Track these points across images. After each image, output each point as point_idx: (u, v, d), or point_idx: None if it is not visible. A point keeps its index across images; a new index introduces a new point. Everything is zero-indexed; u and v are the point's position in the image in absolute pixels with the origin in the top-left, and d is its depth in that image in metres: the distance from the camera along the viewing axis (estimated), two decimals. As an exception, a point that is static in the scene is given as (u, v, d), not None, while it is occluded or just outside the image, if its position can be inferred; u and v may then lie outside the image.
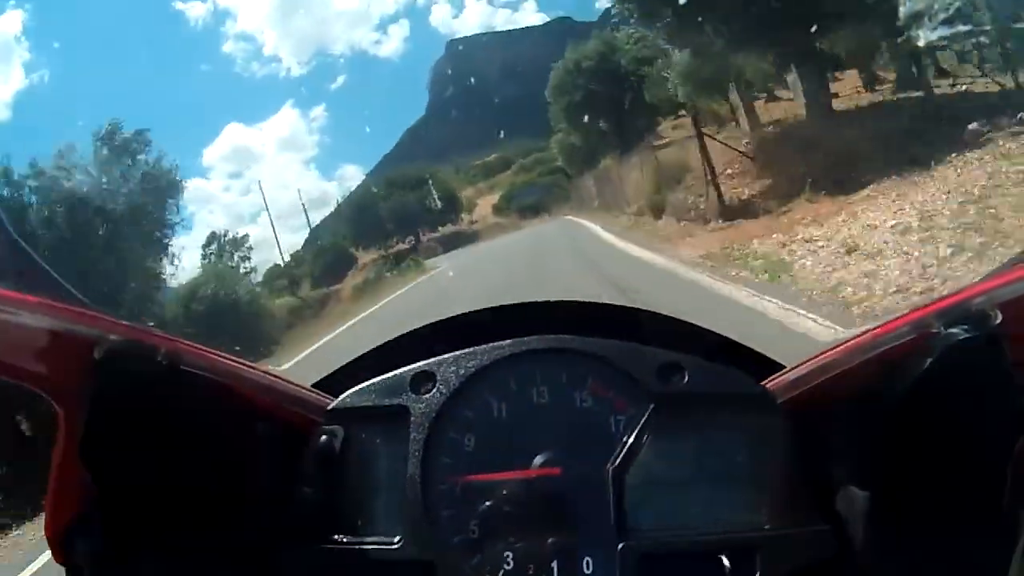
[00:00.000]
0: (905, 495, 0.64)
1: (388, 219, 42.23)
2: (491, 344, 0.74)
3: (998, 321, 0.57)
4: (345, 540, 0.68)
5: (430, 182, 44.41)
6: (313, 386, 0.77)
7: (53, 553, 0.63)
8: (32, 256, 0.58)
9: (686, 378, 0.71)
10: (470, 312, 0.86)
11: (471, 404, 0.71)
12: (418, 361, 0.74)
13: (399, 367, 0.74)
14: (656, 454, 0.69)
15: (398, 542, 0.66)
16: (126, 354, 0.58)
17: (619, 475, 0.67)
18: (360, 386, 0.74)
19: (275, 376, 0.71)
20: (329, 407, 0.73)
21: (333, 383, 0.77)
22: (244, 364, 0.68)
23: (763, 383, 0.72)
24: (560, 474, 0.67)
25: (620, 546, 0.65)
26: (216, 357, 0.66)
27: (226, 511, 0.67)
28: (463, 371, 0.72)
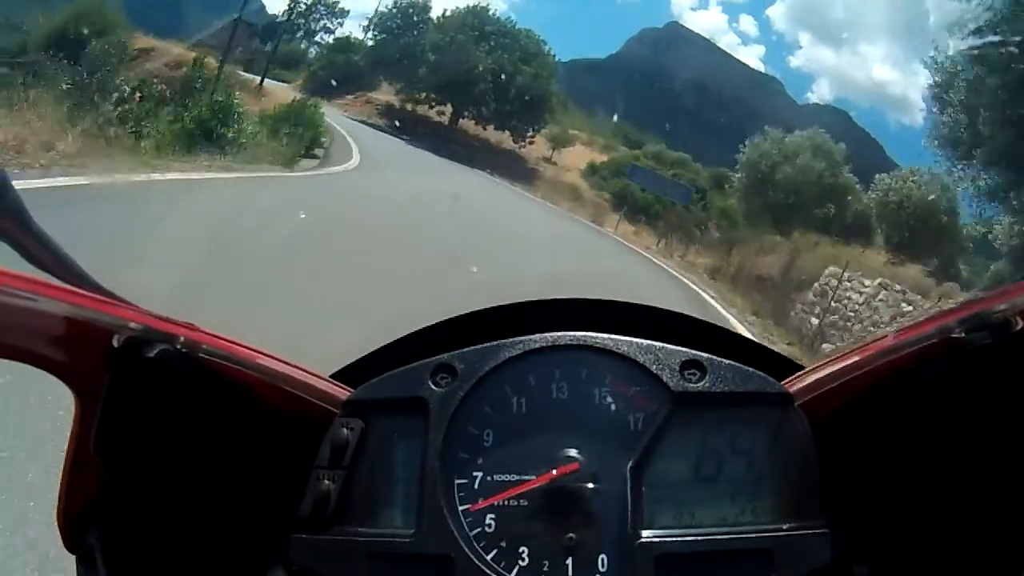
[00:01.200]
0: (922, 499, 0.65)
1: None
2: (511, 339, 0.74)
3: (1019, 328, 0.58)
4: (360, 531, 0.68)
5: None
6: (331, 376, 0.77)
7: (64, 540, 0.63)
8: (51, 242, 0.55)
9: (707, 377, 0.71)
10: (490, 307, 0.86)
11: (490, 398, 0.71)
12: (437, 354, 0.74)
13: (417, 359, 0.74)
14: (675, 453, 0.69)
15: (413, 534, 0.66)
16: (144, 342, 0.58)
17: (638, 473, 0.67)
18: (379, 378, 0.74)
19: (293, 365, 0.71)
20: (347, 398, 0.73)
21: (351, 374, 0.77)
22: (262, 353, 0.68)
23: (783, 383, 0.72)
24: (578, 471, 0.66)
25: (636, 544, 0.65)
26: (234, 345, 0.65)
27: (241, 500, 0.67)
28: (483, 365, 0.72)
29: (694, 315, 0.85)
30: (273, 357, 0.68)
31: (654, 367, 0.71)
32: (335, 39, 45.19)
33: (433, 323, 0.85)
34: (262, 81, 27.07)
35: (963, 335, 0.59)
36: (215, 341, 0.63)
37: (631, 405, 0.70)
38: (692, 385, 0.70)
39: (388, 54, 43.71)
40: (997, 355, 0.58)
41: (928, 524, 0.64)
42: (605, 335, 0.73)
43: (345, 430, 0.70)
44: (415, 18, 45.17)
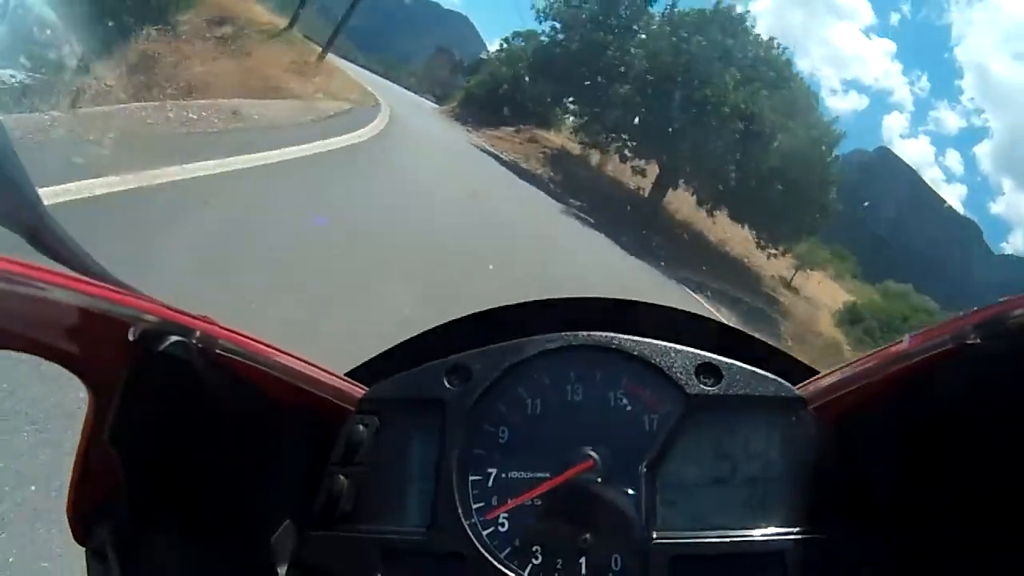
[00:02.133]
0: (936, 504, 0.65)
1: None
2: (526, 339, 0.74)
3: None
4: (374, 528, 0.68)
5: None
6: (347, 375, 0.76)
7: (74, 534, 0.62)
8: (66, 234, 0.55)
9: (722, 380, 0.71)
10: (505, 306, 0.85)
11: (505, 398, 0.71)
12: (451, 354, 0.74)
13: (432, 359, 0.74)
14: (689, 455, 0.69)
15: (428, 531, 0.67)
16: (161, 336, 0.57)
17: (652, 474, 0.68)
18: (395, 377, 0.74)
19: (309, 363, 0.70)
20: (363, 396, 0.73)
21: (365, 372, 0.77)
22: (278, 349, 0.67)
23: (797, 387, 0.72)
24: (593, 471, 0.67)
25: (651, 546, 0.65)
26: (250, 341, 0.65)
27: (254, 496, 0.67)
28: (498, 365, 0.72)
29: (710, 318, 0.85)
30: (288, 354, 0.68)
31: (669, 370, 0.71)
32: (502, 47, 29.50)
33: (446, 321, 0.84)
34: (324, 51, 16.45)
35: (979, 341, 0.59)
36: (231, 336, 0.63)
37: (646, 407, 0.70)
38: (707, 388, 0.70)
39: (565, 66, 25.41)
40: (1013, 361, 0.58)
41: (942, 527, 0.64)
42: (621, 336, 0.73)
43: (361, 427, 0.70)
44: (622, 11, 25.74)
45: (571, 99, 26.94)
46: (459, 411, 0.70)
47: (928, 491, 0.65)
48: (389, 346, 0.82)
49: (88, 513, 0.62)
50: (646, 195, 24.54)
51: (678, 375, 0.71)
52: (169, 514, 0.63)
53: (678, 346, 0.73)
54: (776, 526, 0.67)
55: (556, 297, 0.85)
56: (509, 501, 0.67)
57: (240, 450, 0.65)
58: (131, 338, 0.56)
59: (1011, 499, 0.61)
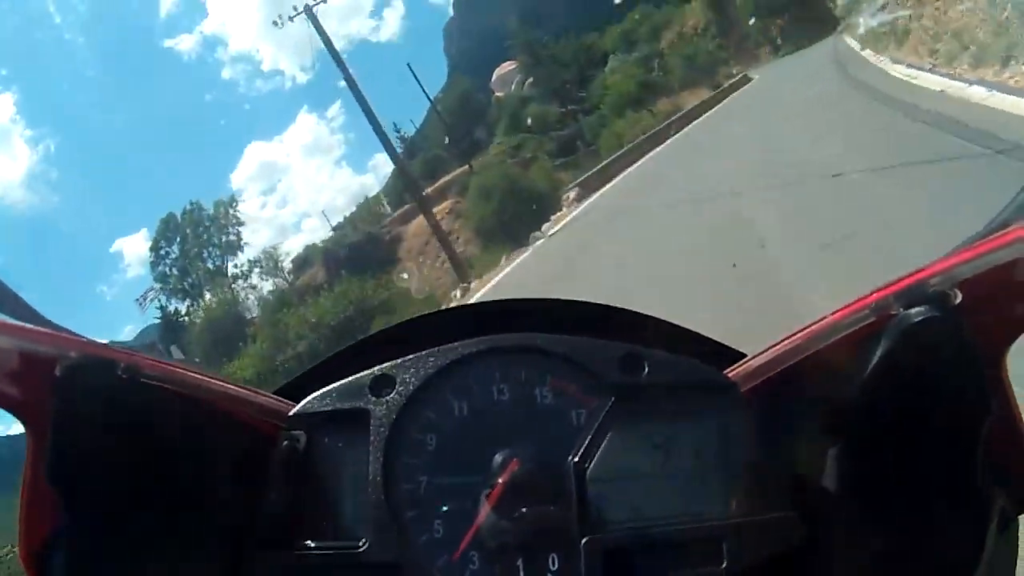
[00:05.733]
0: (873, 478, 0.64)
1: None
2: (450, 344, 0.74)
3: (958, 301, 0.57)
4: (312, 545, 0.68)
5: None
6: (275, 392, 0.77)
7: (27, 572, 0.64)
8: None
9: (647, 369, 0.71)
10: (429, 313, 0.87)
11: (431, 405, 0.71)
12: (379, 364, 0.74)
13: (362, 371, 0.74)
14: (619, 447, 0.69)
15: (364, 545, 0.67)
16: (85, 369, 0.59)
17: (581, 469, 0.67)
18: (320, 391, 0.74)
19: (236, 385, 0.71)
20: (291, 412, 0.73)
21: (295, 389, 0.78)
22: (205, 375, 0.68)
23: (726, 372, 0.72)
24: (522, 469, 0.66)
25: (584, 541, 0.65)
26: (177, 369, 0.66)
27: (196, 522, 0.67)
28: (422, 372, 0.72)
29: (630, 309, 0.85)
30: (216, 378, 0.69)
31: (593, 363, 0.71)
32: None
33: (373, 333, 0.86)
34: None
35: (900, 311, 0.59)
36: (156, 366, 0.64)
37: (572, 401, 0.71)
38: (632, 378, 0.70)
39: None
40: (938, 330, 0.57)
41: (881, 501, 0.64)
42: (541, 335, 0.74)
43: (290, 444, 0.71)
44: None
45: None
46: (384, 421, 0.70)
47: (866, 467, 0.64)
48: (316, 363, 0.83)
49: (38, 551, 0.63)
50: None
51: (602, 367, 0.71)
52: (115, 545, 0.64)
53: (600, 340, 0.73)
54: (712, 513, 0.67)
55: (477, 302, 0.85)
56: (440, 504, 0.68)
57: (176, 475, 0.66)
58: (57, 374, 0.58)
59: (951, 469, 0.61)
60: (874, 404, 0.63)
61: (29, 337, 0.57)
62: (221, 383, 0.69)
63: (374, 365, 0.74)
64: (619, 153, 28.84)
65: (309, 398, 0.74)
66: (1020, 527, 0.66)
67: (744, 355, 0.75)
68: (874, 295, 0.61)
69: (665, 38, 48.76)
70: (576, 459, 0.68)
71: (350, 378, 0.74)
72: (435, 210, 39.24)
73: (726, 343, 0.81)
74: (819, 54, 28.40)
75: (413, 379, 0.72)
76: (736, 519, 0.66)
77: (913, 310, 0.58)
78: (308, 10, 26.86)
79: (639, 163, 26.08)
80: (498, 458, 0.67)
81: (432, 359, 0.73)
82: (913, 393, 0.62)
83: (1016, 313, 0.59)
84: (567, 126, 43.50)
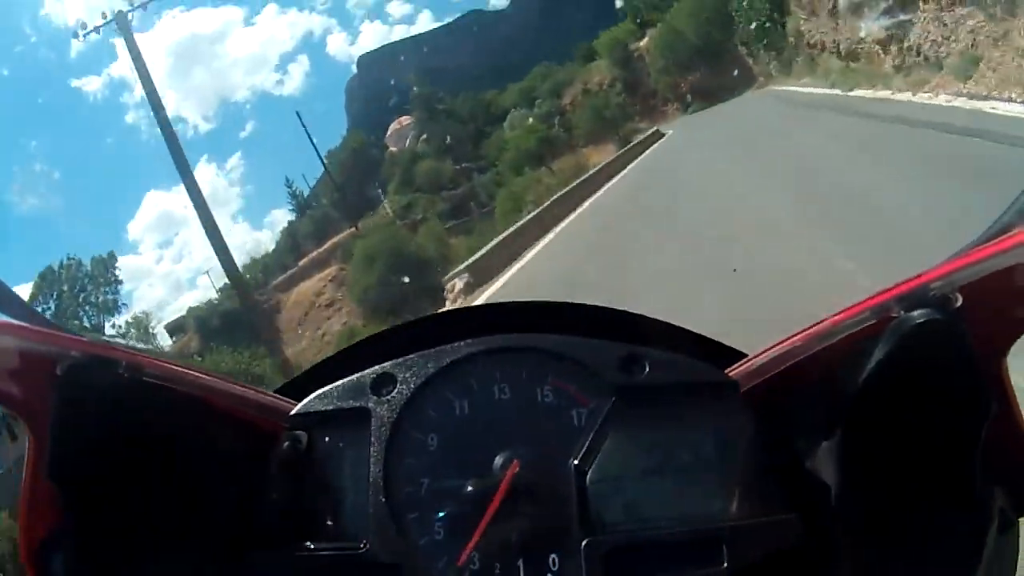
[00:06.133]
0: (873, 480, 0.65)
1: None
2: (451, 344, 0.74)
3: (959, 304, 0.58)
4: (313, 545, 0.68)
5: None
6: (276, 392, 0.77)
7: (27, 569, 0.64)
8: None
9: (647, 369, 0.71)
10: (433, 314, 0.90)
11: (433, 404, 0.71)
12: (381, 363, 0.74)
13: (363, 370, 0.74)
14: (620, 447, 0.69)
15: (364, 545, 0.66)
16: (87, 369, 0.59)
17: (582, 469, 0.67)
18: (322, 390, 0.74)
19: (238, 384, 0.71)
20: (292, 412, 0.73)
21: (297, 388, 0.77)
22: (207, 374, 0.68)
23: (726, 371, 0.72)
24: (523, 471, 0.66)
25: (585, 541, 0.65)
26: (179, 368, 0.66)
27: (196, 520, 0.67)
28: (423, 371, 0.72)
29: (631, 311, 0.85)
30: (218, 377, 0.69)
31: (593, 363, 0.71)
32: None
33: (375, 333, 0.86)
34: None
35: (902, 314, 0.59)
36: (157, 365, 0.64)
37: (573, 402, 0.70)
38: (633, 378, 0.70)
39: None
40: (939, 333, 0.58)
41: (880, 503, 0.64)
42: (543, 335, 0.73)
43: (290, 444, 0.70)
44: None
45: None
46: (385, 420, 0.70)
47: (865, 468, 0.65)
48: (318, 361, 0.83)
49: (39, 549, 0.63)
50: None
51: (602, 367, 0.71)
52: (116, 543, 0.64)
53: (603, 340, 0.73)
54: (712, 512, 0.67)
55: (479, 304, 0.92)
56: (441, 505, 0.67)
57: (177, 474, 0.66)
58: (58, 374, 0.58)
59: (950, 471, 0.62)
60: (874, 405, 0.63)
61: (30, 337, 0.58)
62: (223, 382, 0.69)
63: (375, 364, 0.74)
64: (519, 225, 21.06)
65: (310, 397, 0.74)
66: (1020, 529, 0.66)
67: (745, 355, 0.75)
68: (876, 298, 0.62)
69: (568, 95, 45.98)
70: (577, 460, 0.67)
71: (351, 377, 0.74)
72: (317, 277, 35.26)
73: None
74: (738, 110, 28.22)
75: (414, 378, 0.72)
76: (736, 520, 0.66)
77: (914, 313, 0.58)
78: (121, 16, 24.09)
79: (545, 241, 18.60)
80: (499, 459, 0.67)
81: (433, 358, 0.73)
82: (913, 395, 0.62)
83: (1016, 316, 0.59)
84: (461, 185, 40.62)
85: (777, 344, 0.69)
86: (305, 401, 0.73)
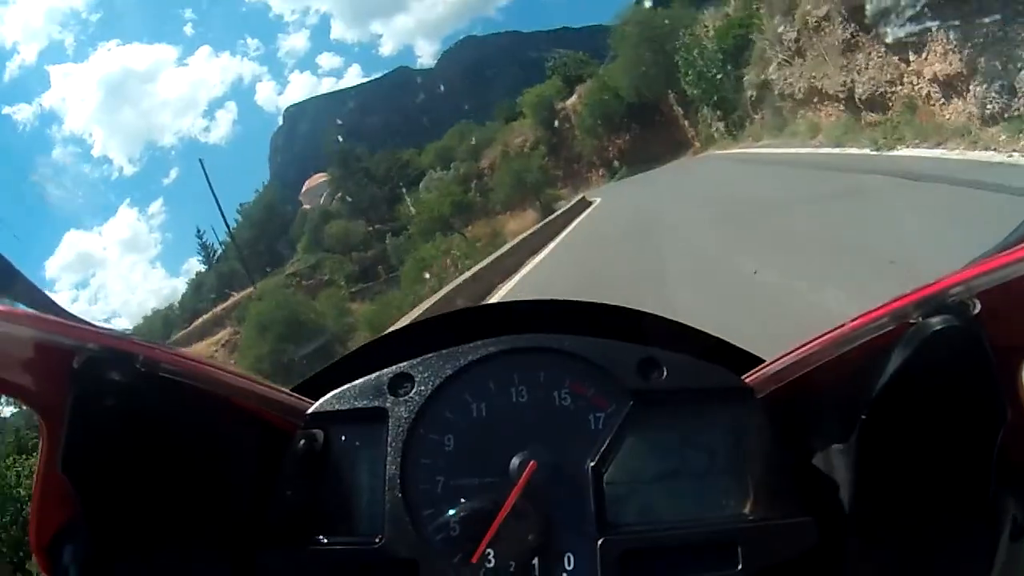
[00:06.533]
0: (888, 485, 0.65)
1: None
2: (469, 344, 0.74)
3: (977, 310, 0.58)
4: (327, 542, 0.68)
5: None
6: (293, 389, 0.77)
7: (39, 562, 0.64)
8: (9, 264, 0.58)
9: (665, 373, 0.71)
10: (450, 312, 0.86)
11: (450, 405, 0.71)
12: (398, 363, 0.74)
13: (378, 369, 0.74)
14: (636, 450, 0.69)
15: (380, 542, 0.67)
16: (104, 362, 0.58)
17: (599, 472, 0.68)
18: (339, 389, 0.74)
19: (255, 380, 0.71)
20: (309, 410, 0.73)
21: (313, 386, 0.77)
22: (224, 369, 0.68)
23: (742, 377, 0.72)
24: (540, 472, 0.66)
25: (600, 542, 0.65)
26: (196, 363, 0.66)
27: (209, 515, 0.67)
28: (441, 372, 0.72)
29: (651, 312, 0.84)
30: (235, 373, 0.69)
31: (611, 366, 0.71)
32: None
33: (392, 331, 0.87)
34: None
35: (920, 320, 0.59)
36: (176, 359, 0.63)
37: (590, 405, 0.71)
38: (651, 383, 0.70)
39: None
40: (957, 338, 0.58)
41: (895, 508, 0.65)
42: (561, 336, 0.73)
43: (308, 442, 0.70)
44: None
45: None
46: (402, 420, 0.70)
47: (881, 473, 0.65)
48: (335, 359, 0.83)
49: (50, 541, 0.63)
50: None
51: (621, 371, 0.71)
52: (128, 537, 0.64)
53: (620, 342, 0.73)
54: (727, 516, 0.67)
55: (497, 302, 0.87)
56: (456, 503, 0.67)
57: (191, 470, 0.66)
58: (75, 366, 0.58)
59: (965, 477, 0.62)
60: (891, 411, 0.63)
61: (47, 328, 0.57)
62: (240, 378, 0.69)
63: (392, 363, 0.74)
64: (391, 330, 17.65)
65: (327, 396, 0.74)
66: None
67: (762, 360, 0.75)
68: (894, 303, 0.62)
69: (488, 156, 43.25)
70: (594, 463, 0.68)
71: (369, 376, 0.74)
72: (209, 341, 32.43)
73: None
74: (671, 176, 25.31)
75: (432, 379, 0.72)
76: (751, 523, 0.66)
77: (932, 319, 0.58)
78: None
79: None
80: (516, 460, 0.67)
81: (451, 359, 0.73)
82: (930, 400, 0.62)
83: None
84: (372, 246, 38.52)
85: (794, 350, 0.69)
86: (322, 400, 0.73)
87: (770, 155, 17.24)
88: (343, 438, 0.71)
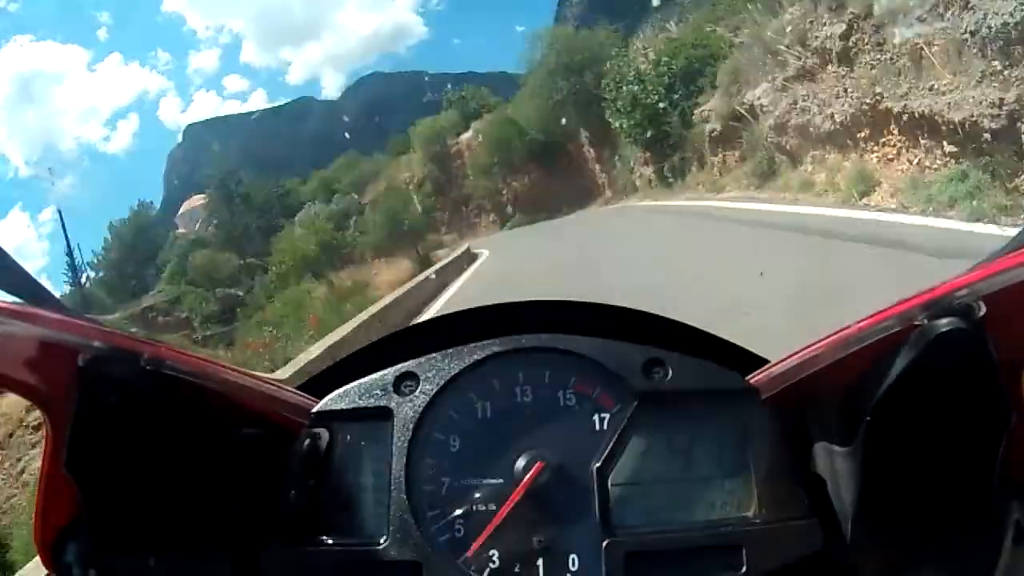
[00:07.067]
0: (892, 488, 0.65)
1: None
2: (473, 344, 0.74)
3: (982, 313, 0.57)
4: (331, 541, 0.68)
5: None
6: (298, 388, 0.77)
7: (42, 560, 0.64)
8: (15, 263, 0.56)
9: (670, 374, 0.71)
10: (454, 312, 0.87)
11: (455, 404, 0.71)
12: (403, 362, 0.74)
13: (383, 368, 0.74)
14: (641, 451, 0.69)
15: (384, 542, 0.67)
16: (109, 360, 0.59)
17: (604, 473, 0.68)
18: (344, 388, 0.74)
19: (260, 379, 0.71)
20: (313, 409, 0.73)
21: (318, 385, 0.77)
22: (229, 368, 0.68)
23: (747, 378, 0.72)
24: (545, 473, 0.66)
25: (605, 544, 0.65)
26: (201, 361, 0.66)
27: (212, 513, 0.67)
28: (446, 371, 0.72)
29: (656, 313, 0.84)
30: (240, 371, 0.69)
31: (617, 366, 0.71)
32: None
33: (397, 330, 0.86)
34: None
35: (925, 322, 0.59)
36: (181, 358, 0.64)
37: (595, 405, 0.71)
38: (656, 384, 0.70)
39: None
40: (962, 341, 0.58)
41: (898, 511, 0.65)
42: (567, 336, 0.73)
43: (313, 441, 0.70)
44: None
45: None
46: (407, 419, 0.70)
47: (885, 476, 0.65)
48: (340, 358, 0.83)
49: (54, 539, 0.63)
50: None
51: (626, 372, 0.71)
52: (131, 535, 0.64)
53: (626, 343, 0.73)
54: (733, 517, 0.67)
55: (504, 302, 0.85)
56: (461, 504, 0.67)
57: (195, 468, 0.66)
58: (81, 364, 0.58)
59: (969, 481, 0.62)
60: (896, 413, 0.63)
61: (52, 325, 0.57)
62: (245, 377, 0.69)
63: (396, 362, 0.74)
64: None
65: (332, 395, 0.74)
66: None
67: (766, 361, 0.75)
68: (899, 306, 0.62)
69: (372, 190, 38.01)
70: (599, 464, 0.68)
71: (374, 375, 0.74)
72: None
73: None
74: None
75: (437, 378, 0.72)
76: (756, 525, 0.66)
77: (938, 321, 0.58)
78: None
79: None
80: (521, 461, 0.67)
81: (456, 358, 0.73)
82: (934, 403, 0.62)
83: None
84: (241, 282, 33.74)
85: (799, 351, 0.69)
86: (327, 399, 0.73)
87: (743, 212, 11.80)
88: (347, 437, 0.71)
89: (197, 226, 46.29)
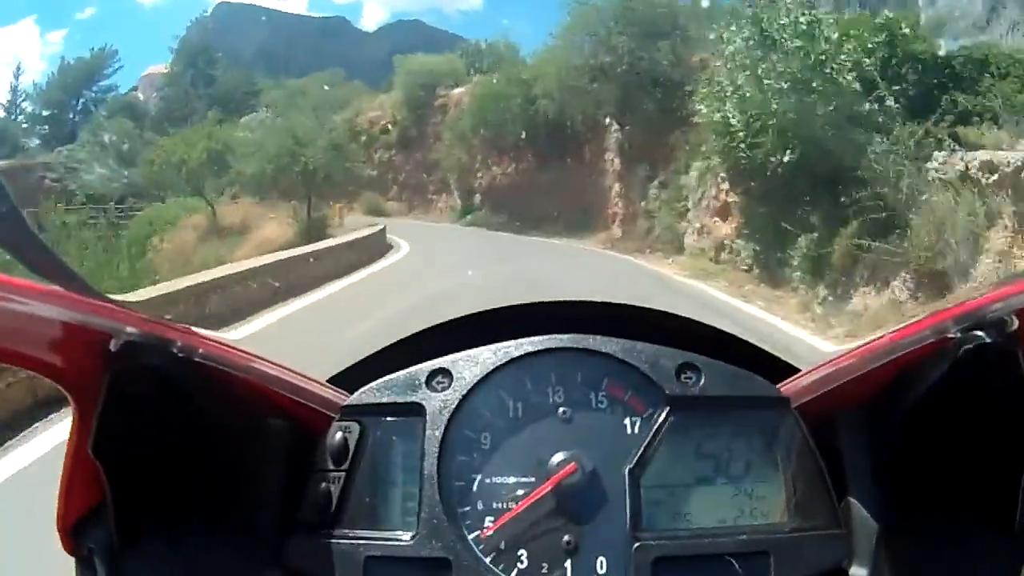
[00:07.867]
0: (918, 499, 0.66)
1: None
2: (508, 342, 0.74)
3: (1014, 327, 0.58)
4: (358, 534, 0.68)
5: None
6: (328, 381, 0.77)
7: (63, 544, 0.63)
8: (47, 247, 0.54)
9: (703, 380, 0.71)
10: (488, 310, 0.86)
11: (487, 402, 0.71)
12: (434, 358, 0.74)
13: (415, 363, 0.74)
14: (672, 456, 0.69)
15: (412, 537, 0.66)
16: (142, 346, 0.58)
17: (635, 476, 0.68)
18: (376, 382, 0.73)
19: (290, 371, 0.71)
20: (345, 403, 0.73)
21: (348, 378, 0.77)
22: (260, 358, 0.68)
23: (779, 386, 0.72)
24: (575, 474, 0.66)
25: (634, 547, 0.65)
26: (231, 351, 0.66)
27: (238, 503, 0.67)
28: (479, 369, 0.72)
29: (690, 317, 0.83)
30: (270, 362, 0.69)
31: (650, 370, 0.71)
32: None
33: (430, 326, 0.85)
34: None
35: (959, 335, 0.59)
36: (212, 346, 0.64)
37: (627, 409, 0.70)
38: (688, 388, 0.70)
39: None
40: (993, 354, 0.58)
41: (923, 524, 0.65)
42: (601, 337, 0.73)
43: (343, 434, 0.70)
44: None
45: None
46: (440, 416, 0.70)
47: (912, 488, 0.66)
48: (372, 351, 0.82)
49: (76, 523, 0.63)
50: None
51: (659, 376, 0.71)
52: (155, 522, 0.64)
53: (659, 346, 0.73)
54: (760, 525, 0.67)
55: (538, 301, 0.85)
56: (491, 502, 0.67)
57: (223, 457, 0.66)
58: (112, 349, 0.57)
59: (995, 496, 0.62)
60: (925, 424, 0.64)
61: (85, 309, 0.56)
62: (277, 368, 0.69)
63: (428, 358, 0.73)
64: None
65: (364, 389, 0.73)
66: None
67: (797, 368, 0.76)
68: (933, 318, 0.62)
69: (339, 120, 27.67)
70: (630, 467, 0.67)
71: (406, 370, 0.73)
72: None
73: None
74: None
75: (470, 375, 0.71)
76: (785, 533, 0.66)
77: (970, 334, 0.58)
78: None
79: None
80: (553, 462, 0.67)
81: (489, 356, 0.72)
82: (963, 415, 0.63)
83: None
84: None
85: (831, 361, 0.69)
86: (358, 392, 0.73)
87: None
88: (379, 432, 0.70)
89: (155, 95, 40.18)
